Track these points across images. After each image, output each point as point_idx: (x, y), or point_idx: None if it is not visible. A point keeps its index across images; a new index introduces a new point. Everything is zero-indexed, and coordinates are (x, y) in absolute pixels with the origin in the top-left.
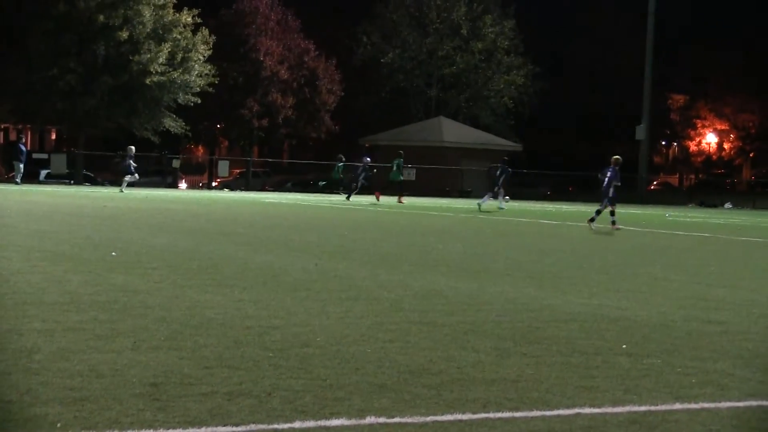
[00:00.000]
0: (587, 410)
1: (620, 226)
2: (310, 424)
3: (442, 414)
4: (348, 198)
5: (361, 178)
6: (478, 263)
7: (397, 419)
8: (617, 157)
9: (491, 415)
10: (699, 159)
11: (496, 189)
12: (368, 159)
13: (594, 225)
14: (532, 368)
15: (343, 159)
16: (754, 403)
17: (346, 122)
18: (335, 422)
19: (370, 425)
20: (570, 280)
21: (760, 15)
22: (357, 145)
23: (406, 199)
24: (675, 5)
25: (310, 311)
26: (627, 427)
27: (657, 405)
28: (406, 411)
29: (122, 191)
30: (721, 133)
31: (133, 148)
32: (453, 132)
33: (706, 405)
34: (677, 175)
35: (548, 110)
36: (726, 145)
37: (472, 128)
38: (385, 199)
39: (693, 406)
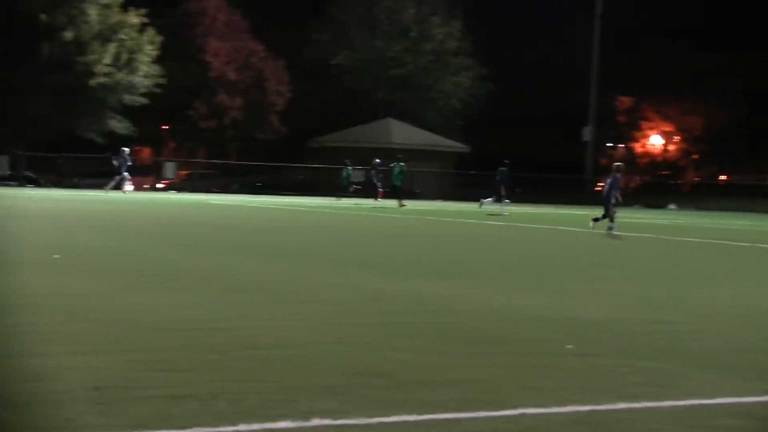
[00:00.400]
0: (532, 410)
1: (616, 233)
2: (255, 426)
3: (388, 415)
4: (377, 199)
5: (375, 180)
6: (426, 265)
7: (342, 421)
8: (618, 164)
9: (437, 416)
10: (644, 160)
11: (502, 194)
12: (378, 161)
13: (592, 226)
14: (477, 369)
15: (349, 163)
16: (695, 401)
17: (294, 124)
18: (280, 424)
19: (316, 427)
20: (517, 280)
21: (706, 19)
22: (305, 146)
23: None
24: (622, 7)
25: (257, 313)
26: (571, 427)
27: (600, 404)
28: (352, 412)
29: (125, 192)
30: (666, 135)
31: (126, 149)
32: (401, 133)
33: (648, 404)
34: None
35: (496, 111)
36: (671, 147)
37: (420, 130)
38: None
39: (635, 405)
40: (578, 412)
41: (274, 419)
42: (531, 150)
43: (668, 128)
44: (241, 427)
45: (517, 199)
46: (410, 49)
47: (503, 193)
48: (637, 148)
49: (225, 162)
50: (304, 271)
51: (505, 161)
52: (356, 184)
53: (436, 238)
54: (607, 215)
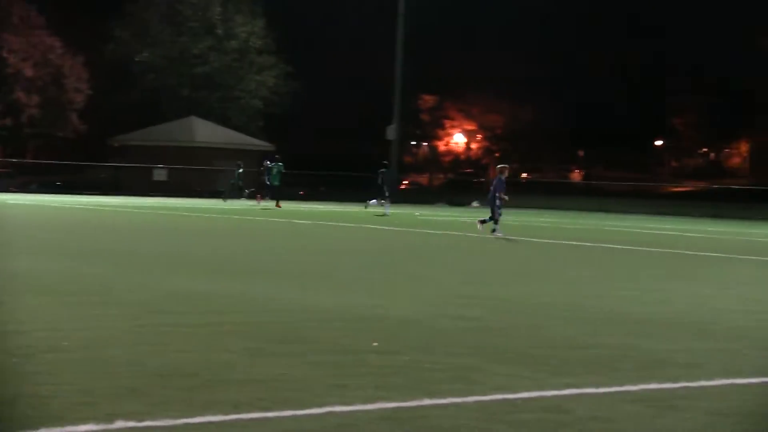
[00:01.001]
0: (339, 408)
1: (499, 235)
2: (57, 430)
3: (194, 416)
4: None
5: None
6: (231, 264)
7: (147, 423)
8: (503, 165)
9: (243, 416)
10: (448, 158)
11: (387, 194)
12: (268, 162)
13: (480, 228)
14: (284, 368)
15: (241, 165)
16: (500, 396)
17: (96, 122)
18: (83, 428)
19: (120, 429)
20: (326, 279)
21: (508, 19)
22: (107, 145)
23: (159, 200)
24: (426, 7)
25: (60, 315)
26: (378, 424)
27: (407, 401)
28: (157, 414)
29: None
30: (468, 134)
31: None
32: (205, 132)
33: (454, 399)
34: (427, 175)
35: (301, 110)
36: (473, 145)
37: (224, 128)
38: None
39: (442, 401)
40: (385, 409)
41: (76, 423)
42: (337, 148)
43: (471, 127)
44: (42, 431)
45: (324, 198)
46: (215, 47)
47: (387, 193)
48: (441, 146)
49: (22, 161)
50: (109, 272)
51: (384, 162)
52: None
53: (241, 236)
54: (493, 217)
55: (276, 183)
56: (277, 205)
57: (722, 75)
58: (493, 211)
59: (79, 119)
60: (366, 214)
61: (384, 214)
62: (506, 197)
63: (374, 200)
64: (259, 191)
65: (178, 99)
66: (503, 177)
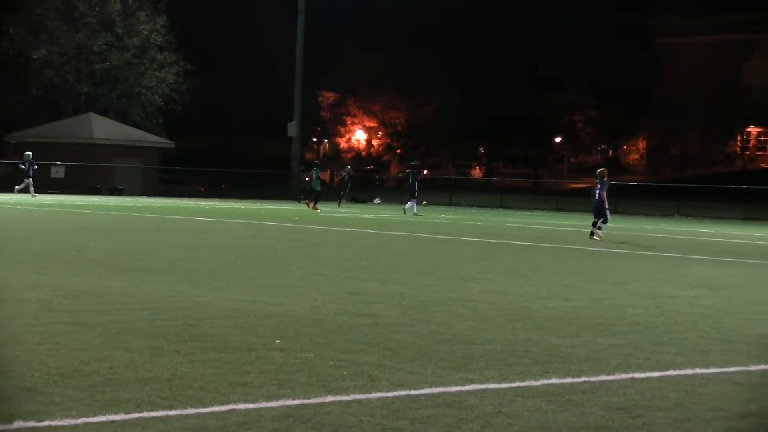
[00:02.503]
0: (241, 406)
1: (598, 237)
2: None
3: (94, 415)
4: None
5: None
6: (132, 262)
7: (47, 423)
8: (603, 169)
9: (145, 414)
10: (349, 155)
11: (416, 195)
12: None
13: (597, 237)
14: (186, 366)
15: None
16: (402, 393)
17: None
18: None
19: (19, 429)
20: (225, 276)
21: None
22: (3, 142)
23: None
24: (326, 3)
25: None
26: (281, 421)
27: (310, 398)
28: (57, 414)
29: (34, 195)
30: (370, 131)
31: (30, 153)
32: (103, 129)
33: (357, 396)
34: (328, 171)
35: (202, 107)
36: (375, 142)
37: (123, 125)
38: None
39: (345, 397)
40: (288, 406)
41: None
42: (238, 145)
43: (372, 124)
44: None
45: (225, 195)
46: (114, 44)
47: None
48: (342, 143)
49: None
50: (5, 272)
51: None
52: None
53: (140, 233)
54: (606, 218)
55: (318, 188)
56: (315, 207)
57: (619, 74)
58: (604, 213)
59: None
60: (266, 211)
61: (414, 214)
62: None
63: (410, 203)
64: (307, 197)
65: (77, 96)
66: (605, 179)
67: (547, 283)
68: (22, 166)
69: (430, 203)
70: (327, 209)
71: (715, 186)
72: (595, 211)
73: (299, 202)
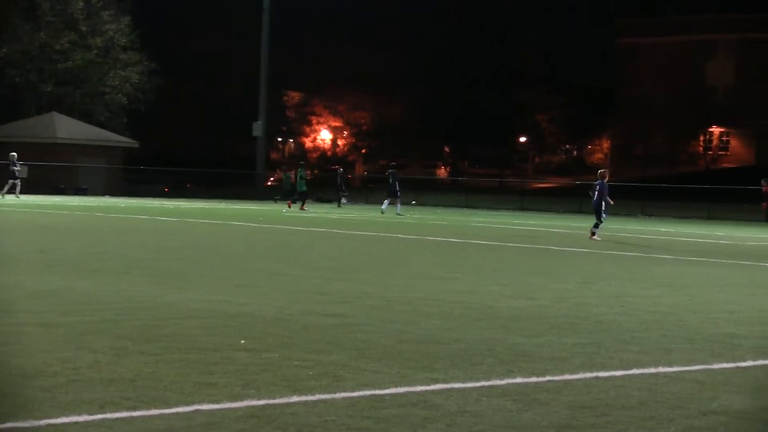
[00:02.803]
0: (206, 406)
1: (598, 238)
2: None
3: (58, 417)
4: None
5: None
6: (96, 262)
7: (9, 424)
8: (604, 170)
9: (109, 415)
10: (315, 155)
11: (399, 194)
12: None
13: (596, 237)
14: (150, 366)
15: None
16: (367, 392)
17: None
18: None
19: None
20: (190, 276)
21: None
22: None
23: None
24: (291, 3)
25: None
26: (246, 421)
27: (275, 398)
28: (20, 415)
29: (18, 197)
30: (335, 130)
31: (15, 154)
32: (67, 128)
33: (322, 396)
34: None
35: (166, 106)
36: (340, 142)
37: (87, 125)
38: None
39: (310, 398)
40: (253, 406)
41: None
42: (203, 145)
43: (337, 123)
44: None
45: (189, 194)
46: (78, 43)
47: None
48: (308, 143)
49: None
50: None
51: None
52: None
53: (105, 233)
54: (600, 220)
55: (303, 188)
56: (302, 208)
57: (583, 73)
58: (600, 214)
59: None
60: (232, 211)
61: (397, 214)
62: (611, 201)
63: (386, 203)
64: (289, 197)
65: (40, 95)
66: (604, 180)
67: (512, 283)
68: (16, 168)
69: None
70: (320, 211)
71: (679, 186)
72: (596, 212)
73: (275, 202)
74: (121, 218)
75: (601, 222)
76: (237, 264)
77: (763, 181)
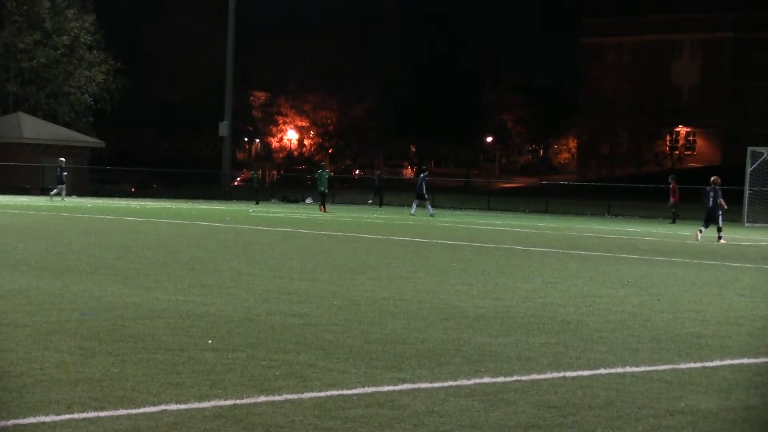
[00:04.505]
0: (173, 406)
1: (724, 241)
2: None
3: (24, 417)
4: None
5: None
6: (62, 262)
7: None
8: (716, 177)
9: (75, 415)
10: (281, 155)
11: (426, 198)
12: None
13: (722, 240)
14: (117, 367)
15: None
16: (334, 392)
17: None
18: None
19: None
20: (156, 276)
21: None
22: None
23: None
24: (258, 3)
25: None
26: (213, 422)
27: (242, 398)
28: None
29: (64, 200)
30: (301, 130)
31: (63, 159)
32: (32, 128)
33: (289, 396)
34: (260, 171)
35: (132, 106)
36: (306, 142)
37: (52, 124)
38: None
39: (277, 398)
40: (220, 406)
41: None
42: (169, 145)
43: (304, 123)
44: None
45: (156, 194)
46: (42, 42)
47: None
48: (274, 143)
49: None
50: None
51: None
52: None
53: (70, 233)
54: (718, 224)
55: (323, 188)
56: (323, 210)
57: (548, 73)
58: (716, 219)
59: None
60: (198, 211)
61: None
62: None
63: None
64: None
65: (5, 95)
66: (718, 187)
67: (478, 283)
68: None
69: (360, 203)
70: (341, 213)
71: (645, 185)
72: (708, 217)
73: (256, 204)
74: (88, 218)
75: (720, 225)
76: (203, 264)
77: (671, 178)
